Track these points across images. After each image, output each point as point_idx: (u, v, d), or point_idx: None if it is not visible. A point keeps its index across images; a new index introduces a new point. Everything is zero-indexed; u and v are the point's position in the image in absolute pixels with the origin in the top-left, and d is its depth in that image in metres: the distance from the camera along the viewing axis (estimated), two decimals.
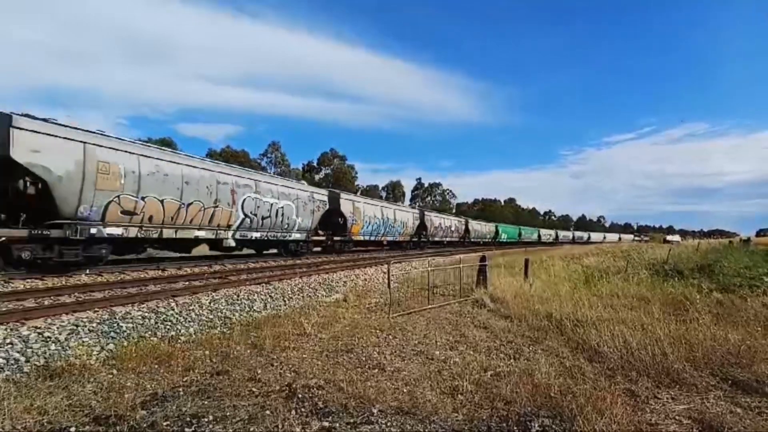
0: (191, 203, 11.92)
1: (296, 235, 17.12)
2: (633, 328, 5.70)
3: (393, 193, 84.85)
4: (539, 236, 66.38)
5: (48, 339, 4.92)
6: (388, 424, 3.10)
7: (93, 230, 9.65)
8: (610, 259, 18.44)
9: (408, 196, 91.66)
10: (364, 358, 4.71)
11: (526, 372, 4.27)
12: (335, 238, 20.58)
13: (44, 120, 9.27)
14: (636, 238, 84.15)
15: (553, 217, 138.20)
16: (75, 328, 5.39)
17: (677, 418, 3.35)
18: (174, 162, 11.63)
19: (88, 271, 9.98)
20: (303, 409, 3.28)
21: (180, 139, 66.13)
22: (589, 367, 4.58)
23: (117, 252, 11.28)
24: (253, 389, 3.69)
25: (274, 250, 17.64)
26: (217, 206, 12.81)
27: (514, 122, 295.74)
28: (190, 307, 7.04)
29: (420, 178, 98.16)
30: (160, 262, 12.27)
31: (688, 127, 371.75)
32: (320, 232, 19.47)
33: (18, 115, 8.52)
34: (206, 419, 3.06)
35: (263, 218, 14.93)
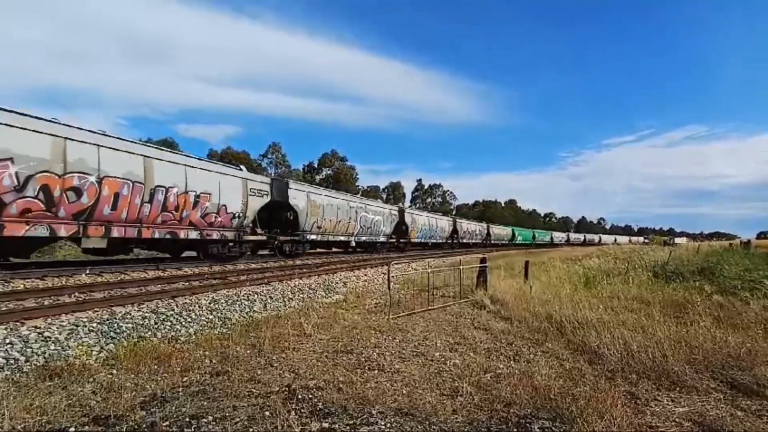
0: (340, 220, 20.29)
1: (382, 239, 25.65)
2: (633, 330, 5.70)
3: (393, 194, 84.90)
4: (552, 239, 70.39)
5: (48, 339, 4.91)
6: (388, 425, 3.10)
7: (311, 236, 18.38)
8: (611, 261, 18.41)
9: (408, 197, 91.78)
10: (363, 359, 4.70)
11: (526, 374, 4.27)
12: (401, 240, 29.22)
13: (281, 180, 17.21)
14: (646, 240, 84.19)
15: (553, 219, 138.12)
16: (75, 328, 5.38)
17: (677, 420, 3.34)
18: (334, 196, 20.43)
19: (88, 271, 9.99)
20: (302, 410, 3.28)
21: (180, 139, 66.08)
22: (589, 369, 4.57)
23: (312, 246, 19.95)
24: (253, 390, 3.69)
25: (355, 248, 24.48)
26: (349, 222, 21.17)
27: (514, 124, 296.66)
28: (190, 308, 7.04)
29: (420, 180, 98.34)
30: (160, 263, 12.27)
31: (687, 130, 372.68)
32: (393, 236, 27.84)
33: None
34: (205, 420, 3.06)
35: (367, 228, 23.25)
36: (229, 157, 51.92)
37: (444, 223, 36.03)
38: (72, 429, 2.88)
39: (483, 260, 10.94)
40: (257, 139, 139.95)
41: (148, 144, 12.97)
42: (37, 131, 8.55)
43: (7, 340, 4.68)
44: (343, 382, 3.89)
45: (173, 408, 3.24)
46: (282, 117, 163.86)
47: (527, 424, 3.16)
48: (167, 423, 2.99)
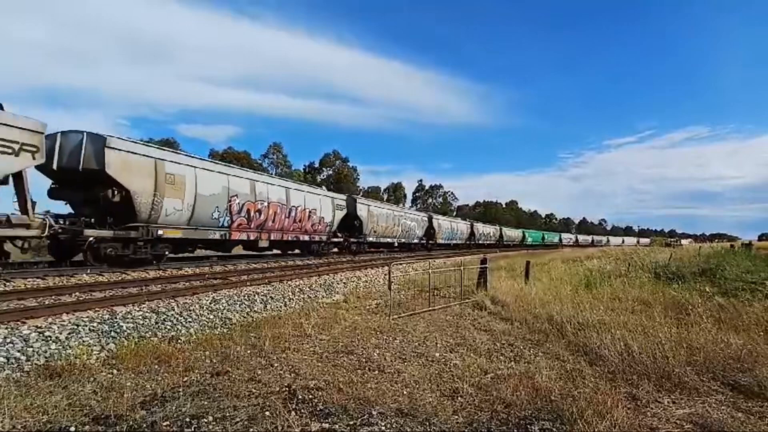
0: (387, 226, 26.08)
1: (415, 240, 31.87)
2: (634, 331, 5.68)
3: (394, 194, 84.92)
4: (560, 239, 72.65)
5: (48, 338, 4.92)
6: (388, 425, 3.09)
7: (369, 238, 23.93)
8: (612, 262, 18.38)
9: (409, 197, 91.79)
10: (364, 360, 4.70)
11: (527, 375, 4.26)
12: (430, 241, 34.15)
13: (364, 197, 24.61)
14: (668, 242, 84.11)
15: (554, 220, 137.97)
16: (75, 327, 5.39)
17: (678, 422, 3.33)
18: (385, 207, 26.94)
19: (89, 271, 10.00)
20: (302, 410, 3.28)
21: (181, 139, 66.09)
22: (590, 371, 4.56)
23: (369, 247, 24.96)
24: (253, 390, 3.69)
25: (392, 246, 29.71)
26: (394, 227, 26.95)
27: (514, 124, 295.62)
28: (191, 308, 7.05)
29: (421, 180, 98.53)
30: (160, 262, 12.29)
31: (688, 131, 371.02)
32: (424, 238, 33.31)
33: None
34: (206, 420, 3.06)
35: (406, 232, 29.28)
36: (230, 158, 52.03)
37: (463, 227, 41.97)
38: (72, 428, 2.88)
39: (483, 261, 10.92)
40: (258, 139, 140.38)
41: (285, 178, 24.52)
42: (244, 177, 14.85)
43: (8, 340, 4.68)
44: (343, 383, 3.89)
45: (174, 408, 3.24)
46: (282, 117, 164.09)
47: (528, 425, 3.16)
48: (168, 423, 2.99)
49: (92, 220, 10.71)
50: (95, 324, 5.60)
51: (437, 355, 5.03)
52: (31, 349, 4.56)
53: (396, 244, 28.61)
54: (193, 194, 12.19)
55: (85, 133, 10.06)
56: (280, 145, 66.13)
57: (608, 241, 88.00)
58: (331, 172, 71.74)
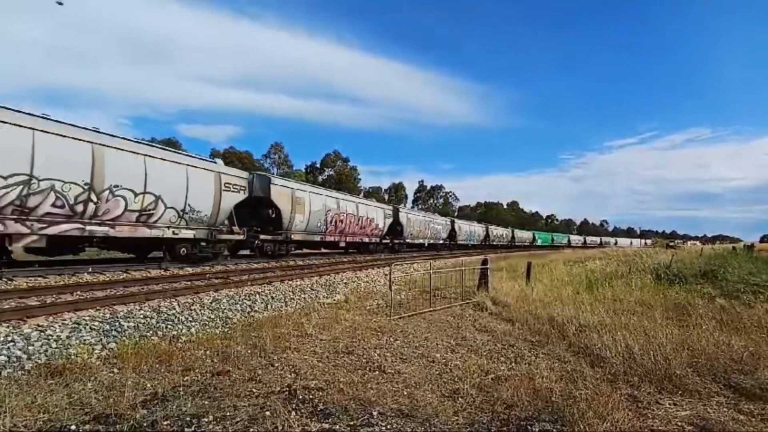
0: (420, 229, 30.43)
1: (441, 241, 35.07)
2: (635, 333, 5.66)
3: (395, 195, 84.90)
4: (569, 241, 75.92)
5: (50, 337, 4.93)
6: (388, 426, 3.09)
7: (407, 240, 28.85)
8: (613, 263, 18.35)
9: (410, 198, 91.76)
10: (364, 360, 4.70)
11: (528, 376, 4.26)
12: (451, 242, 37.40)
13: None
14: (669, 244, 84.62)
15: (555, 221, 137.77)
16: (77, 326, 5.40)
17: (679, 424, 3.33)
18: (417, 215, 32.03)
19: (90, 270, 10.03)
20: (303, 410, 3.28)
21: (182, 139, 65.91)
22: (591, 372, 4.55)
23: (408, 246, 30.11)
24: (254, 390, 3.69)
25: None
26: (426, 230, 31.47)
27: (515, 125, 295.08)
28: (192, 307, 7.06)
29: (422, 181, 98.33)
30: (161, 261, 12.31)
31: (689, 133, 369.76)
32: (447, 239, 36.48)
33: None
34: (206, 419, 3.06)
35: (434, 234, 33.41)
36: (232, 157, 52.12)
37: (479, 229, 46.35)
38: (73, 427, 2.89)
39: (484, 261, 10.91)
40: (258, 139, 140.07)
41: (356, 195, 30.76)
42: (333, 197, 20.20)
43: (9, 338, 4.70)
44: (343, 383, 3.89)
45: (174, 407, 3.25)
46: (282, 117, 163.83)
47: (528, 426, 3.15)
48: (168, 422, 2.99)
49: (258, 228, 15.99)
50: (96, 323, 5.62)
51: (438, 355, 5.03)
52: (32, 347, 4.57)
53: (426, 245, 32.55)
54: (309, 211, 17.76)
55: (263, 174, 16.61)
56: (281, 145, 66.27)
57: (617, 242, 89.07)
58: (332, 173, 71.78)
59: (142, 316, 6.24)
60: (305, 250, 21.87)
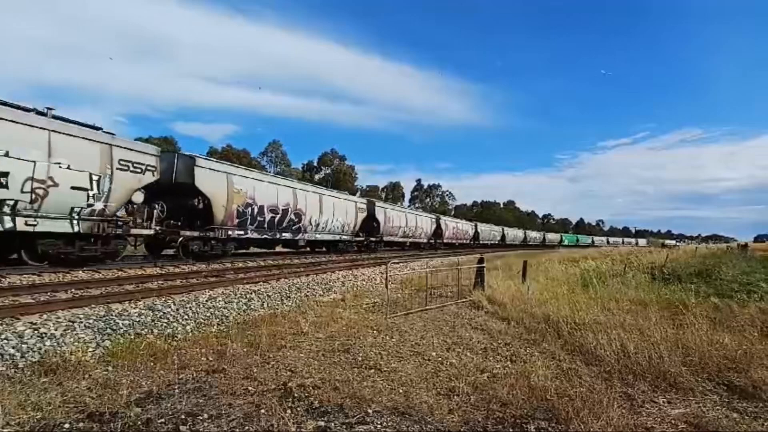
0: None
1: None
2: (630, 331, 5.69)
3: (393, 194, 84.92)
4: (593, 241, 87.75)
5: (43, 335, 4.88)
6: (384, 424, 3.09)
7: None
8: (608, 262, 18.45)
9: (407, 197, 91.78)
10: (360, 358, 4.70)
11: (523, 374, 4.27)
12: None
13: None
14: (664, 243, 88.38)
15: (552, 221, 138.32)
16: (71, 324, 5.36)
17: (673, 422, 3.35)
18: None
19: (85, 268, 9.96)
20: (298, 409, 3.27)
21: (179, 137, 65.72)
22: (586, 370, 4.57)
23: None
24: (249, 388, 3.68)
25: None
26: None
27: (511, 125, 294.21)
28: (187, 305, 7.02)
29: (419, 180, 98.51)
30: (157, 260, 12.26)
31: (683, 133, 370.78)
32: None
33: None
34: (201, 417, 3.05)
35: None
36: (229, 155, 51.89)
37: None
38: (67, 425, 2.87)
39: (481, 260, 10.94)
40: (256, 138, 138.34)
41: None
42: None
43: (2, 336, 4.65)
44: (339, 381, 3.88)
45: (169, 405, 3.23)
46: (281, 116, 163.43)
47: (523, 424, 3.16)
48: (163, 420, 2.98)
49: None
50: (91, 321, 5.57)
51: (434, 354, 5.03)
52: (25, 345, 4.53)
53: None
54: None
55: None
56: (279, 143, 66.22)
57: (623, 242, 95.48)
58: (329, 171, 71.68)
59: (137, 314, 6.18)
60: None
